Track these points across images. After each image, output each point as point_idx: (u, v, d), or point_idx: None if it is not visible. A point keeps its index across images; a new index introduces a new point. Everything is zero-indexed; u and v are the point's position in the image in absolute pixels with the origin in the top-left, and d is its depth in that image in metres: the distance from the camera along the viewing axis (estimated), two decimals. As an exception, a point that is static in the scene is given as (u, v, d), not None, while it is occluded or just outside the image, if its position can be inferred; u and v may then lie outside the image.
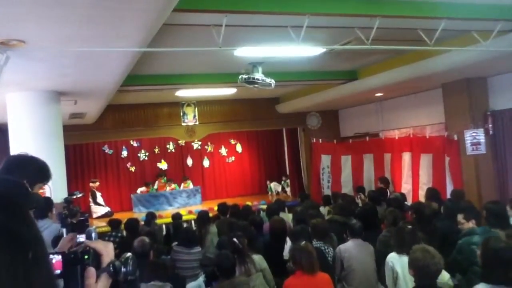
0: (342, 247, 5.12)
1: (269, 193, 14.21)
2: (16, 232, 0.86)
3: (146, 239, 5.05)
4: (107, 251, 1.26)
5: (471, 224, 4.97)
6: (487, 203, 5.29)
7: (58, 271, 1.16)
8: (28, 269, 0.85)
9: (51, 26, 3.41)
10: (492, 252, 3.02)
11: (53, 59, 4.48)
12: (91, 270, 1.18)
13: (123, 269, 1.25)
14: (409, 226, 4.53)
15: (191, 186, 13.29)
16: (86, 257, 1.19)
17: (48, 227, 4.25)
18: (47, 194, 5.12)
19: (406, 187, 9.67)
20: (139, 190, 12.81)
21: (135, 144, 13.66)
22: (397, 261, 4.17)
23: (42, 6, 2.99)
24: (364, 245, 5.16)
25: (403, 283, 4.09)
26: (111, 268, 1.22)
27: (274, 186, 14.26)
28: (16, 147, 5.83)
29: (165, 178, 13.29)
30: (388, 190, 9.34)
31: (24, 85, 5.54)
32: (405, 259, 4.07)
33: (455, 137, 8.35)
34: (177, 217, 8.54)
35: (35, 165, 2.40)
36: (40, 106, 5.92)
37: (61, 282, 1.17)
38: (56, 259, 1.17)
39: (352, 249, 5.07)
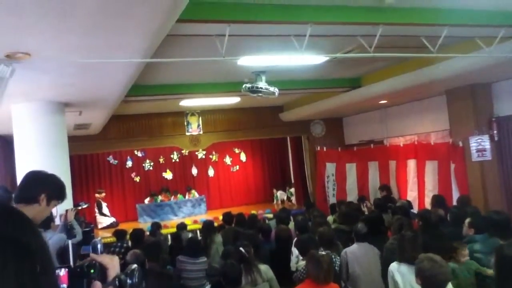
0: (347, 250, 5.11)
1: (275, 201, 14.18)
2: (26, 243, 0.87)
3: (138, 251, 5.07)
4: (113, 264, 1.26)
5: (470, 232, 4.94)
6: (490, 213, 5.25)
7: (64, 285, 1.16)
8: (36, 280, 0.85)
9: (56, 37, 3.43)
10: (507, 260, 2.93)
11: (58, 70, 4.50)
12: (97, 284, 1.18)
13: (128, 281, 1.25)
14: (409, 233, 4.49)
15: (196, 196, 13.29)
16: (92, 271, 1.19)
17: (51, 238, 4.28)
18: (53, 205, 5.12)
19: (411, 194, 9.62)
20: (146, 201, 12.84)
21: (139, 154, 13.71)
22: (396, 270, 4.13)
23: (47, 19, 3.02)
24: (369, 248, 5.12)
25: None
26: (116, 282, 1.22)
27: (280, 194, 14.24)
28: (21, 158, 5.85)
29: (169, 192, 13.28)
30: (393, 197, 9.30)
31: (29, 96, 5.57)
32: (403, 267, 4.04)
33: (460, 144, 8.32)
34: (182, 227, 8.52)
35: (55, 183, 2.47)
36: (45, 117, 5.95)
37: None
38: (63, 272, 1.17)
39: (357, 252, 5.04)
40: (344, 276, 5.04)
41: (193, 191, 13.40)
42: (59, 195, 2.48)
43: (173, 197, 13.11)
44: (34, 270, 0.86)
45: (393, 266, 4.18)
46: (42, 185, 2.41)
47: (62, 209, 5.18)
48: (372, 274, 4.99)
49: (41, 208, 2.35)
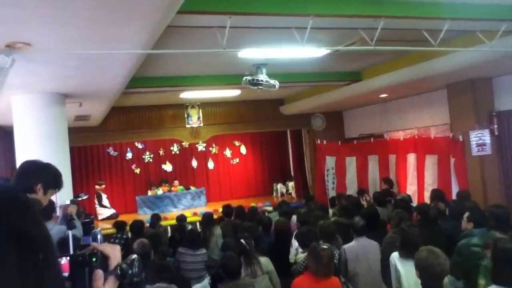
0: (346, 248, 5.07)
1: (274, 194, 14.20)
2: (29, 233, 0.87)
3: (145, 240, 5.10)
4: (115, 254, 1.26)
5: (469, 226, 4.96)
6: (491, 207, 5.26)
7: (66, 274, 1.16)
8: (39, 270, 0.86)
9: (57, 28, 3.42)
10: (502, 253, 2.99)
11: (58, 61, 4.49)
12: (99, 273, 1.18)
13: (129, 271, 1.26)
14: (410, 224, 4.50)
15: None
16: (94, 259, 1.20)
17: (51, 229, 4.28)
18: (53, 196, 5.12)
19: (411, 188, 9.63)
20: (149, 193, 12.85)
21: (139, 146, 13.71)
22: (399, 261, 4.13)
23: (47, 9, 3.00)
24: (369, 244, 5.10)
25: (406, 285, 4.05)
26: (118, 271, 1.23)
27: (280, 187, 14.25)
28: (21, 149, 5.85)
29: (168, 183, 13.30)
30: (392, 191, 9.30)
31: (29, 87, 5.56)
32: (405, 259, 4.05)
33: (460, 138, 8.32)
34: (181, 219, 8.54)
35: (51, 172, 2.47)
36: (45, 108, 5.94)
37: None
38: (64, 261, 1.18)
39: (356, 249, 5.03)
40: (343, 273, 5.04)
41: (191, 188, 13.42)
42: (56, 184, 2.48)
43: (172, 187, 13.11)
44: (38, 261, 0.86)
45: (395, 255, 4.19)
46: (38, 174, 2.40)
47: (62, 200, 5.21)
48: (371, 271, 4.97)
49: (38, 198, 2.35)
